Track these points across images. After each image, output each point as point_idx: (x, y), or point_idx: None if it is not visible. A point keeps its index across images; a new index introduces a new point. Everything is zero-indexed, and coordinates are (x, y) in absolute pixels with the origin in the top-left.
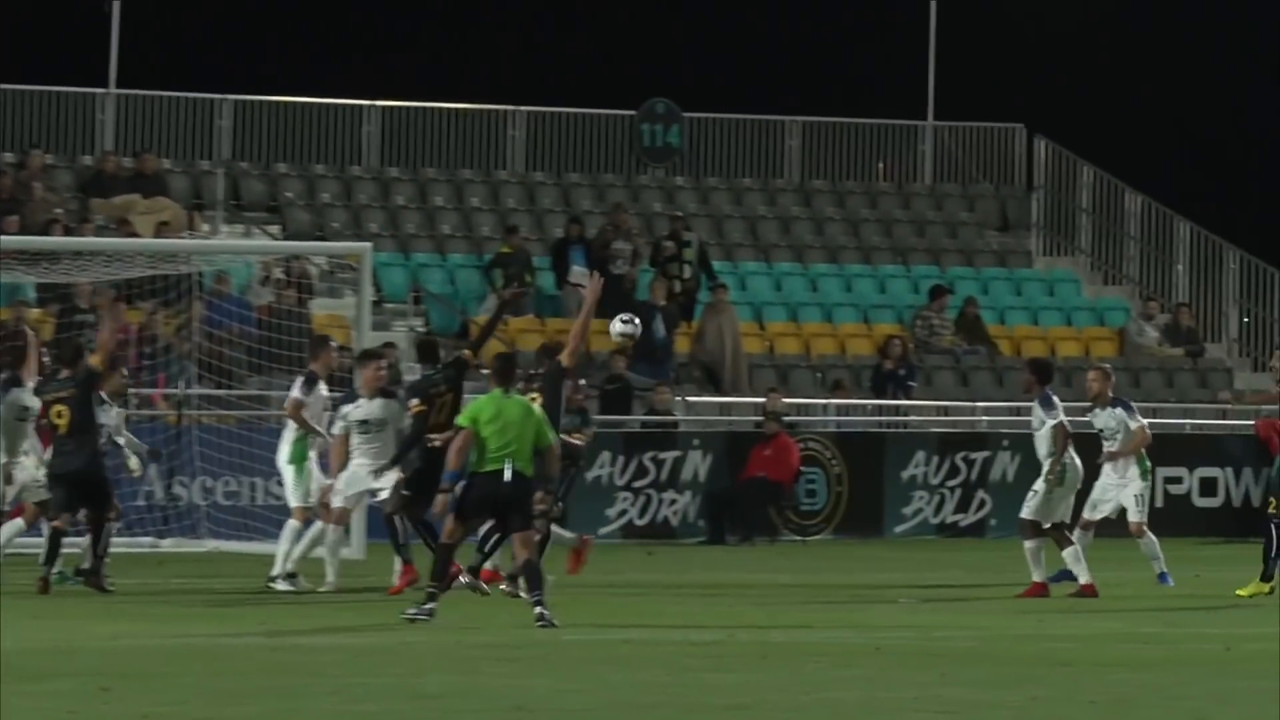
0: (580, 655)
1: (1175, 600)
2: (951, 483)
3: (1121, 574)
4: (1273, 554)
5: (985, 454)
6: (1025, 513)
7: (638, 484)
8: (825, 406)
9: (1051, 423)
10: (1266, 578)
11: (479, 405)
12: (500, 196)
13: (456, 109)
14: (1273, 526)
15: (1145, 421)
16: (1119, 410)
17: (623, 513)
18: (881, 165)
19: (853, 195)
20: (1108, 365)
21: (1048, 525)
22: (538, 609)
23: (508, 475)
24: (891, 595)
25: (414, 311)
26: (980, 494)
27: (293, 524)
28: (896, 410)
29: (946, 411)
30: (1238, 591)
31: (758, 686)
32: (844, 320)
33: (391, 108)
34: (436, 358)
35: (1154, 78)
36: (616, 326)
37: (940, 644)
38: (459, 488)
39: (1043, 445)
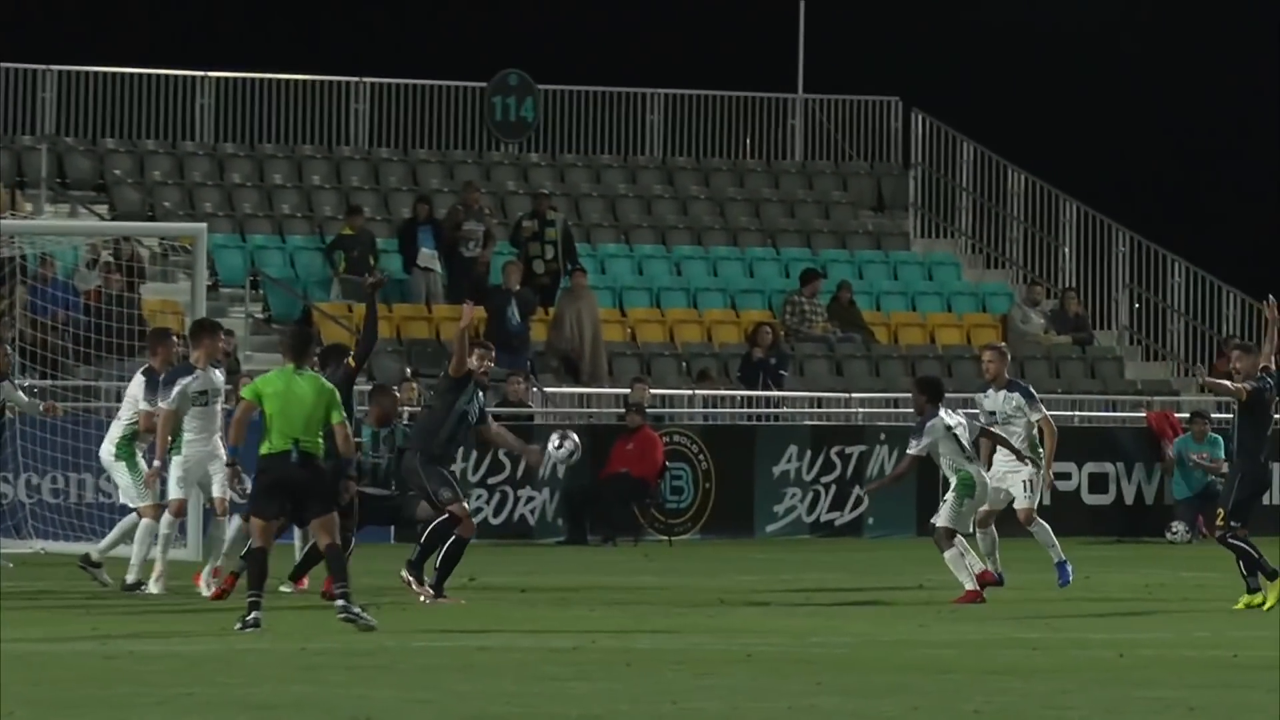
0: (429, 663)
1: (1063, 603)
2: (826, 479)
3: (1007, 576)
4: (1257, 556)
5: (861, 448)
6: (940, 520)
7: (492, 480)
8: (691, 398)
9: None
10: (1271, 576)
11: (266, 378)
12: (343, 174)
13: (296, 80)
14: (1231, 540)
15: (1048, 412)
16: (1016, 395)
17: (477, 511)
18: (749, 141)
19: (719, 173)
20: (1004, 345)
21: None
22: (340, 602)
23: (294, 457)
24: (763, 598)
25: (252, 296)
26: (857, 490)
27: (147, 523)
28: (767, 402)
29: (820, 403)
30: (1265, 607)
31: (617, 696)
32: (710, 306)
33: (227, 79)
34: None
35: (1037, 49)
36: (553, 454)
37: (814, 650)
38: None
39: (945, 460)
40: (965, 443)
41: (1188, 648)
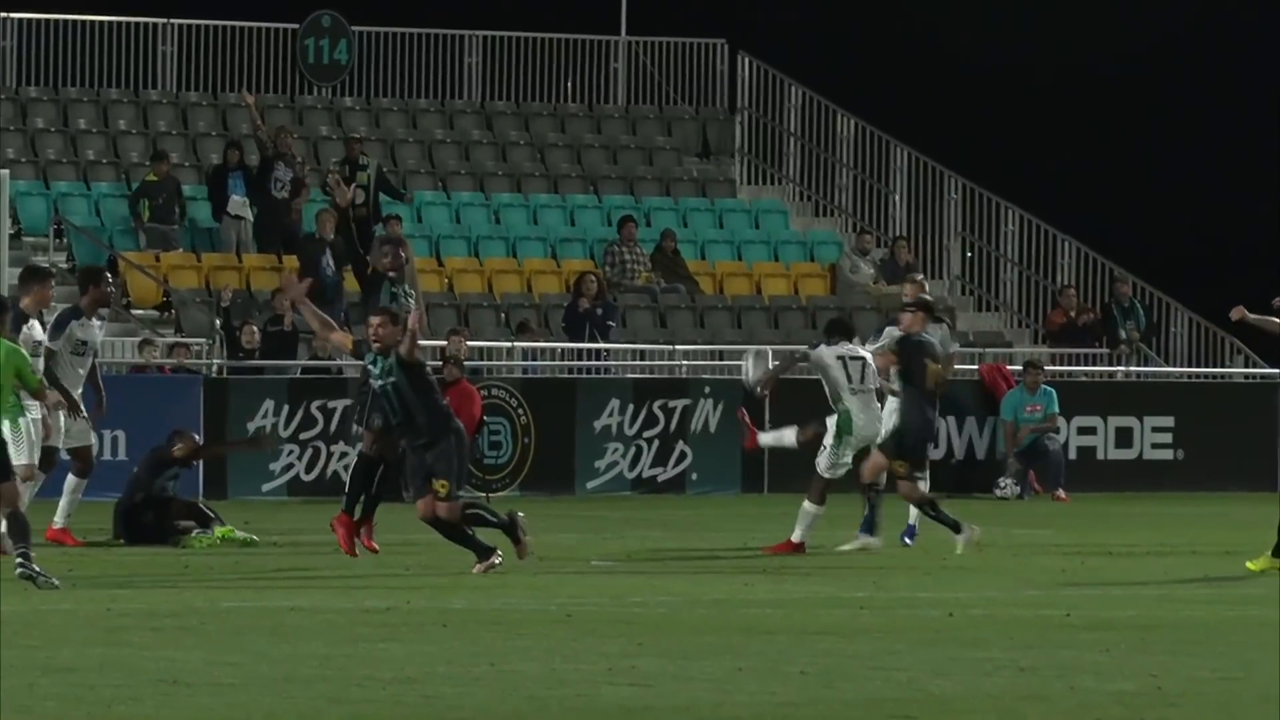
0: (237, 624)
1: (890, 561)
2: (649, 433)
3: (830, 533)
4: None
5: (685, 402)
6: (819, 467)
7: (305, 435)
8: (510, 350)
9: (871, 349)
10: None
11: None
12: (150, 119)
13: (102, 21)
14: None
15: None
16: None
17: (288, 467)
18: (570, 85)
19: (539, 118)
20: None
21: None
22: (19, 562)
23: None
24: (582, 557)
25: (56, 245)
26: (680, 445)
27: None
28: (588, 354)
29: (643, 355)
30: (1257, 568)
31: (432, 658)
32: (530, 255)
33: (29, 20)
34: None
35: None
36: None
37: (635, 611)
38: None
39: (829, 388)
40: (853, 372)
41: (1018, 607)
